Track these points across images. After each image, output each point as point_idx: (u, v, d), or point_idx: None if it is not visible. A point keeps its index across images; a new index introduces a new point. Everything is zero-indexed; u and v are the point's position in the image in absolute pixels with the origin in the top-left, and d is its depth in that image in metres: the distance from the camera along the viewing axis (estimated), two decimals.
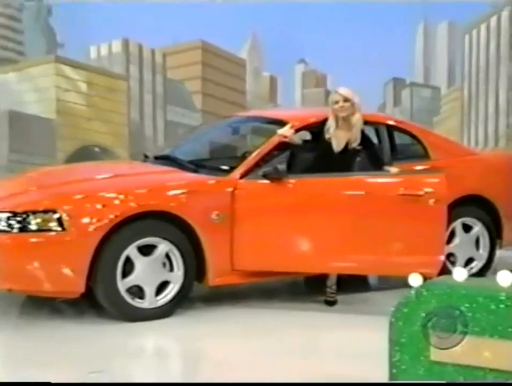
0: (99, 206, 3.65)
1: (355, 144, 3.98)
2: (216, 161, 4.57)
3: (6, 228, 3.53)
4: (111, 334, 3.55)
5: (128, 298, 3.61)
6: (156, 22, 10.28)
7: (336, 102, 3.96)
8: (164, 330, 3.72)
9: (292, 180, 4.40)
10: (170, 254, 3.74)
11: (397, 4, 10.39)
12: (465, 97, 10.28)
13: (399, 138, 5.35)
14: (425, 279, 4.93)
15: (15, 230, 3.47)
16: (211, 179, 4.18)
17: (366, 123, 5.43)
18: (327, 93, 11.68)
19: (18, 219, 3.53)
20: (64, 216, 3.50)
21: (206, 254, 3.83)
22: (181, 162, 4.39)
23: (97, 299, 3.61)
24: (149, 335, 3.69)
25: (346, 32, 10.18)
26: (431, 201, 5.02)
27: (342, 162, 4.05)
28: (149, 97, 11.44)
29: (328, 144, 4.10)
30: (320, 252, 4.74)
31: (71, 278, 3.54)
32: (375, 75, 11.26)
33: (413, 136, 5.22)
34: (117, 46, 11.32)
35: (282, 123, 4.73)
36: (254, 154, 4.38)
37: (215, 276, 3.92)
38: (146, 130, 11.52)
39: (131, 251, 3.61)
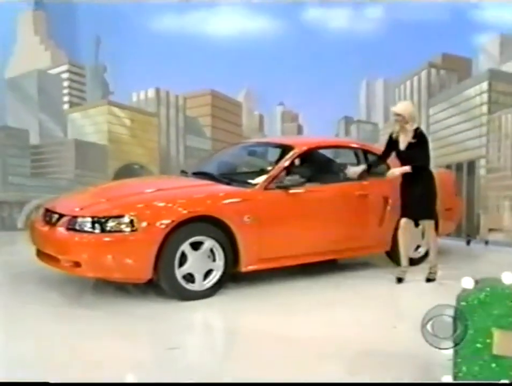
0: (161, 212, 3.66)
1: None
2: (242, 176, 4.64)
3: (90, 230, 3.59)
4: (176, 311, 3.52)
5: (183, 282, 3.68)
6: (180, 74, 10.58)
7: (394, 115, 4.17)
8: (216, 306, 3.68)
9: (301, 189, 4.53)
10: (213, 249, 3.79)
11: (344, 65, 10.81)
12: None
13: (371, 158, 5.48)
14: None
15: (97, 231, 3.58)
16: (242, 190, 4.19)
17: (347, 148, 5.56)
18: (299, 127, 12.10)
19: (100, 222, 3.56)
20: (135, 220, 3.53)
21: (240, 247, 3.90)
22: (215, 177, 4.40)
23: (160, 283, 3.66)
24: (205, 311, 3.62)
25: (313, 83, 10.68)
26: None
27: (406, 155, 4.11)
28: (173, 129, 11.60)
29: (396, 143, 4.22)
30: (323, 244, 4.85)
31: (142, 267, 3.57)
32: (332, 114, 11.67)
33: (379, 157, 5.52)
34: (151, 92, 11.46)
35: (289, 147, 4.89)
36: (273, 170, 4.53)
37: (246, 264, 4.00)
38: (171, 152, 11.68)
39: (185, 246, 3.64)
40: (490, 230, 8.24)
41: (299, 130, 12.04)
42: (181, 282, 3.66)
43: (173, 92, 11.51)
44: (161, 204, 3.76)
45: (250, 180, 4.33)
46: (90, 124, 11.12)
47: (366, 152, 5.16)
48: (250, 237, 3.93)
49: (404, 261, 4.44)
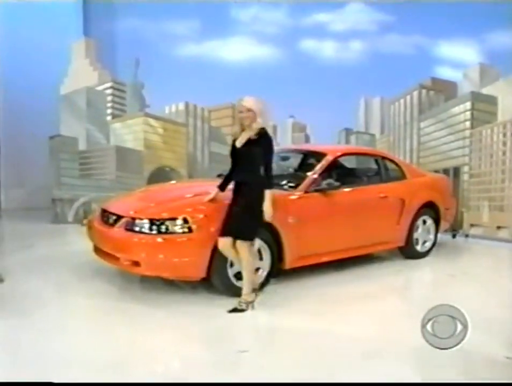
0: (216, 215, 3.54)
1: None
2: (280, 180, 4.40)
3: (147, 231, 3.40)
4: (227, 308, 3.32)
5: (234, 280, 3.56)
6: (207, 89, 11.19)
7: (241, 112, 3.39)
8: (261, 302, 3.44)
9: (335, 191, 4.65)
10: (261, 248, 3.67)
11: (341, 81, 11.43)
12: (391, 141, 11.26)
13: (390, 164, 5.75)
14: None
15: (154, 232, 3.38)
16: (286, 193, 4.06)
17: (372, 155, 5.65)
18: (306, 137, 12.74)
19: (157, 224, 3.35)
20: (191, 222, 3.32)
21: (284, 246, 3.75)
22: None
23: (212, 281, 3.47)
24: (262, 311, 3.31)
25: (319, 98, 11.36)
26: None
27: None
28: (199, 137, 12.10)
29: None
30: (354, 240, 5.04)
31: (197, 267, 3.36)
32: (334, 125, 12.29)
33: (396, 164, 5.96)
34: (181, 106, 11.89)
35: (323, 154, 4.99)
36: (310, 175, 4.61)
37: (290, 262, 3.88)
38: (198, 157, 12.22)
39: None
40: (472, 225, 8.99)
41: (307, 139, 12.70)
42: (232, 280, 3.51)
43: (200, 105, 12.09)
44: (214, 207, 3.62)
45: (290, 184, 4.61)
46: (129, 133, 11.68)
47: (387, 160, 5.63)
48: (293, 237, 3.79)
49: (246, 288, 3.63)
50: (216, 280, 3.61)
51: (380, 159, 5.36)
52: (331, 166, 4.73)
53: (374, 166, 5.48)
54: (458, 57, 9.97)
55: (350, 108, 12.27)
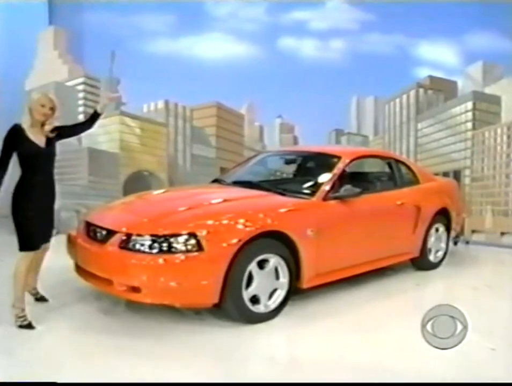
0: (229, 229, 3.02)
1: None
2: (290, 186, 3.99)
3: (148, 250, 2.82)
4: (243, 337, 2.90)
5: (249, 305, 3.10)
6: (190, 86, 10.73)
7: (43, 106, 3.01)
8: (277, 326, 3.06)
9: (353, 199, 3.86)
10: (278, 266, 3.20)
11: (340, 80, 11.23)
12: (386, 142, 11.16)
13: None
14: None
15: (155, 251, 2.80)
16: (303, 202, 3.59)
17: (386, 158, 4.89)
18: (295, 138, 12.42)
19: (161, 241, 2.82)
20: (202, 238, 2.90)
21: (302, 263, 3.34)
22: (264, 187, 3.85)
23: (224, 307, 3.02)
24: (270, 334, 2.97)
25: (309, 96, 11.06)
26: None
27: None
28: (181, 138, 11.63)
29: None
30: (373, 253, 4.63)
31: (209, 291, 2.94)
32: (324, 126, 12.04)
33: (408, 167, 5.59)
34: (161, 104, 11.44)
35: (337, 157, 4.49)
36: (327, 181, 4.07)
37: (308, 280, 3.48)
38: (179, 160, 11.73)
39: (253, 266, 3.08)
40: (473, 231, 8.85)
41: (295, 141, 12.41)
42: (247, 304, 3.12)
43: (181, 103, 11.58)
44: (227, 219, 3.11)
45: (305, 191, 4.10)
46: (103, 133, 11.01)
47: (400, 163, 5.29)
48: (312, 252, 3.45)
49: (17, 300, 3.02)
50: (229, 305, 3.07)
51: (393, 162, 4.91)
52: (345, 171, 4.10)
53: (386, 170, 5.01)
54: (441, 57, 9.88)
55: (341, 107, 12.01)
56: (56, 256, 3.73)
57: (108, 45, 9.77)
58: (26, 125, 3.01)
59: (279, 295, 3.33)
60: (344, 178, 4.01)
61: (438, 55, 9.93)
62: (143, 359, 2.65)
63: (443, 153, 9.34)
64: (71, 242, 3.58)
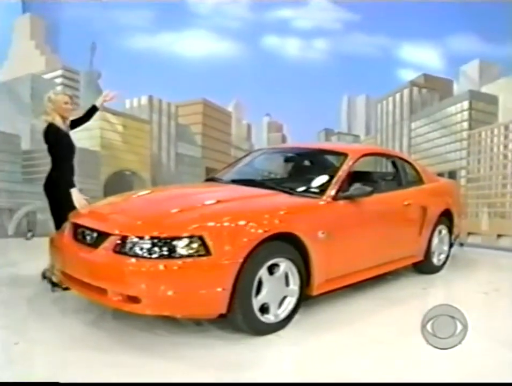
0: (238, 230, 2.88)
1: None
2: (298, 184, 3.83)
3: (147, 254, 2.71)
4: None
5: (259, 314, 2.94)
6: (172, 83, 10.45)
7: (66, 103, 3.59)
8: (286, 339, 2.91)
9: (363, 199, 3.68)
10: (288, 271, 3.06)
11: (330, 76, 11.16)
12: (378, 142, 11.10)
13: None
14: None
15: (155, 255, 2.71)
16: (312, 201, 3.46)
17: (387, 156, 4.84)
18: (283, 137, 12.24)
19: (163, 244, 2.73)
20: (209, 241, 2.75)
21: (313, 267, 3.21)
22: (268, 185, 3.68)
23: (231, 316, 2.88)
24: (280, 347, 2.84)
25: (297, 95, 10.91)
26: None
27: None
28: (165, 136, 11.38)
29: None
30: (382, 257, 4.44)
31: (217, 300, 2.78)
32: (314, 125, 11.94)
33: (413, 166, 5.45)
34: (144, 100, 11.12)
35: (342, 154, 4.36)
36: (336, 179, 3.89)
37: (318, 286, 3.34)
38: (163, 159, 11.45)
39: (263, 271, 2.89)
40: (469, 233, 8.80)
41: (283, 140, 12.24)
42: (257, 314, 2.95)
43: (166, 100, 11.28)
44: (235, 220, 2.95)
45: (313, 190, 3.66)
46: (83, 130, 10.61)
47: (405, 162, 5.16)
48: (322, 256, 3.31)
49: None
50: (238, 315, 2.85)
51: (398, 161, 4.79)
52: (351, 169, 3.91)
53: (384, 169, 4.89)
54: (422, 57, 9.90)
55: (331, 106, 11.90)
56: (33, 262, 3.42)
57: (87, 37, 9.37)
58: (58, 123, 3.54)
59: (290, 303, 3.13)
60: (350, 177, 3.83)
61: (422, 56, 9.90)
62: (142, 377, 2.42)
63: (437, 154, 9.28)
64: (54, 245, 3.31)
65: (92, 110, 3.89)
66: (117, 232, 2.76)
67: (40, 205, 9.58)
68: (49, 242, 3.43)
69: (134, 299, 2.67)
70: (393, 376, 2.44)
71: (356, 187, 3.66)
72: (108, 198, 4.22)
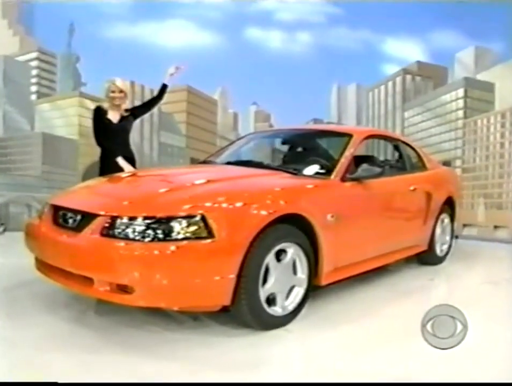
0: (244, 211, 2.65)
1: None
2: (303, 164, 3.66)
3: (139, 237, 2.45)
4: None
5: (266, 306, 2.73)
6: (156, 67, 10.04)
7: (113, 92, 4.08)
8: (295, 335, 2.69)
9: (371, 181, 3.59)
10: (296, 258, 2.88)
11: (316, 67, 10.98)
12: None
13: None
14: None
15: (148, 239, 2.43)
16: (320, 182, 3.31)
17: (388, 139, 4.73)
18: (270, 126, 11.89)
19: (158, 225, 2.45)
20: (212, 222, 2.50)
21: (322, 254, 3.01)
22: (270, 166, 3.58)
23: (235, 308, 2.67)
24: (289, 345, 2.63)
25: (283, 85, 10.61)
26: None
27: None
28: (148, 125, 11.13)
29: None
30: (390, 244, 4.31)
31: (220, 289, 2.54)
32: (302, 115, 11.70)
33: (415, 151, 5.38)
34: None
35: (347, 135, 4.21)
36: (344, 159, 3.54)
37: (327, 275, 3.13)
38: (145, 149, 11.13)
39: (271, 257, 2.68)
40: (465, 225, 8.73)
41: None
42: (264, 305, 2.71)
43: (148, 86, 10.86)
44: (240, 199, 2.72)
45: (320, 170, 3.50)
46: (59, 117, 10.26)
47: (408, 146, 5.07)
48: (332, 241, 3.10)
49: None
50: (243, 306, 2.60)
51: (401, 144, 4.73)
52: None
53: (389, 156, 4.81)
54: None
55: (320, 96, 11.68)
56: (6, 256, 3.09)
57: (64, 18, 8.89)
58: (106, 106, 4.09)
59: (298, 294, 2.92)
60: (354, 159, 3.65)
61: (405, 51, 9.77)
62: (137, 378, 2.19)
63: (431, 143, 9.20)
64: (30, 232, 3.03)
65: (163, 89, 4.27)
66: (104, 213, 2.49)
67: (13, 197, 9.10)
68: (24, 228, 3.14)
69: (125, 289, 2.40)
70: (408, 371, 2.23)
71: (365, 168, 3.48)
72: (87, 181, 3.97)
